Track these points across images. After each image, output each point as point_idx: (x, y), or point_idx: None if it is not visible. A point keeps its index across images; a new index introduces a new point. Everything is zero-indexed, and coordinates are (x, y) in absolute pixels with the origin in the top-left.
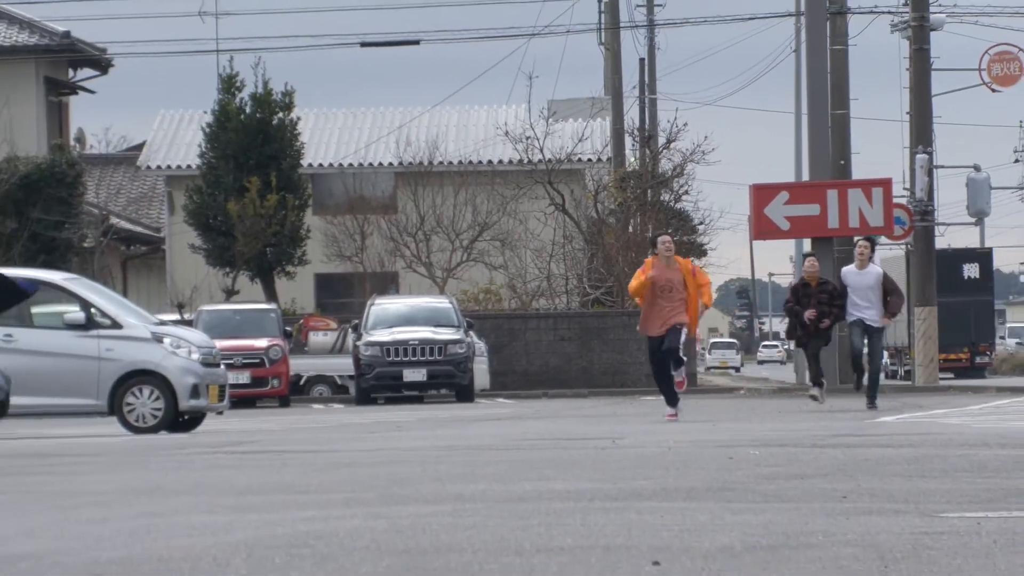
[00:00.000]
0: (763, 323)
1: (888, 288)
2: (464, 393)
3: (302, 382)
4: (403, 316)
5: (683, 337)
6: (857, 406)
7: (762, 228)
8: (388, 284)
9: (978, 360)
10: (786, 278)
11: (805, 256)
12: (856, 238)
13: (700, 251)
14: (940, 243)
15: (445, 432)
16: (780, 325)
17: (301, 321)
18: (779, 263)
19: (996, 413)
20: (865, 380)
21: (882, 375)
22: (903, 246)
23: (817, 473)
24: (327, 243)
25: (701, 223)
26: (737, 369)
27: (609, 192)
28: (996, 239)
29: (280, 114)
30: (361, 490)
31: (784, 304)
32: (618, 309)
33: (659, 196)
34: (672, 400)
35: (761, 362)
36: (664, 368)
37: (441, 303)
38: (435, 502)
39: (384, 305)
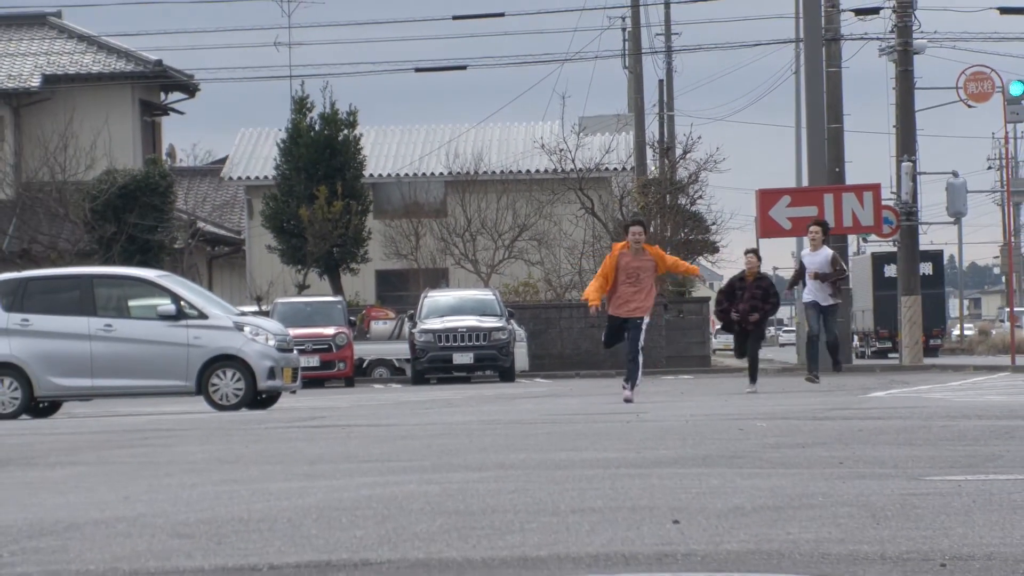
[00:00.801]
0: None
1: (835, 265)
2: (506, 374)
3: (365, 365)
4: (452, 307)
5: (643, 334)
6: (849, 384)
7: (767, 228)
8: (439, 279)
9: (932, 343)
10: (789, 271)
11: (746, 252)
12: (809, 224)
13: (713, 248)
14: (923, 240)
15: (490, 408)
16: (788, 312)
17: (364, 311)
18: (783, 258)
19: (974, 389)
20: (827, 352)
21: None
22: (892, 243)
23: (817, 442)
24: (386, 243)
25: (713, 224)
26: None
27: (633, 197)
28: (972, 236)
29: (345, 131)
30: (417, 459)
31: (716, 300)
32: None
33: (677, 200)
34: (632, 377)
35: (782, 345)
36: (614, 344)
37: (486, 295)
38: (481, 469)
39: (436, 297)
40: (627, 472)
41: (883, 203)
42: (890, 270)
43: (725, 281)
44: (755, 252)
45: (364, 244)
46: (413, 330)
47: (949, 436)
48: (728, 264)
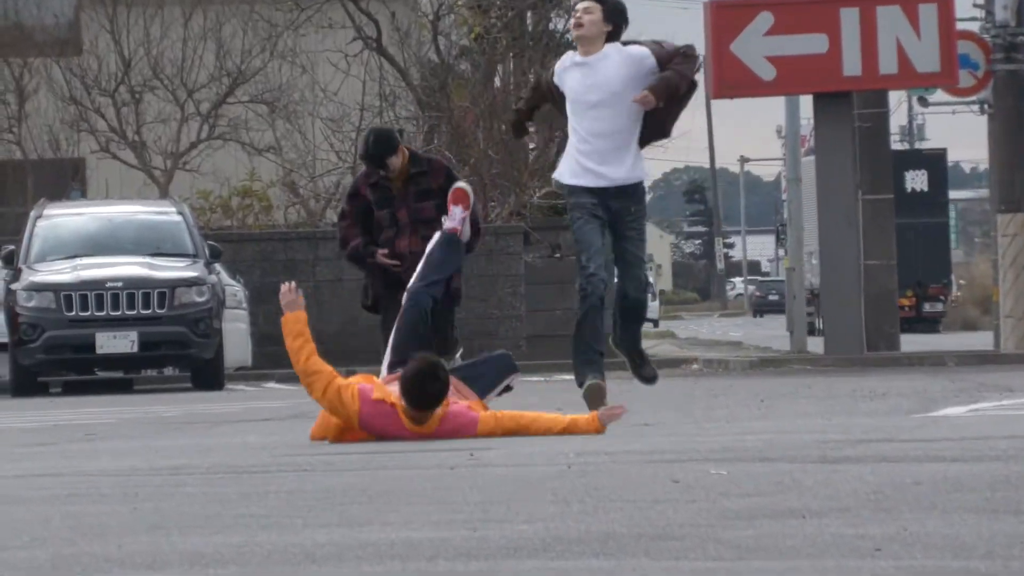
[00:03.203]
0: (731, 243)
1: (674, 57)
2: (206, 373)
3: None
4: (94, 238)
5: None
6: (891, 390)
7: (728, 78)
8: (69, 180)
9: (927, 308)
10: (771, 166)
11: (369, 138)
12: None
13: None
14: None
15: (171, 443)
16: (761, 248)
17: None
18: (758, 140)
19: None
20: (617, 318)
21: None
22: (977, 106)
23: (830, 508)
24: None
25: None
26: (655, 323)
27: (460, 17)
28: None
29: None
30: (19, 546)
31: (339, 223)
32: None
33: (547, 22)
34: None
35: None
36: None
37: (164, 214)
38: (154, 567)
39: (60, 218)
40: (450, 568)
41: (958, 28)
42: (914, 179)
43: (345, 196)
44: (384, 141)
45: None
46: (14, 285)
47: None
48: (652, 151)
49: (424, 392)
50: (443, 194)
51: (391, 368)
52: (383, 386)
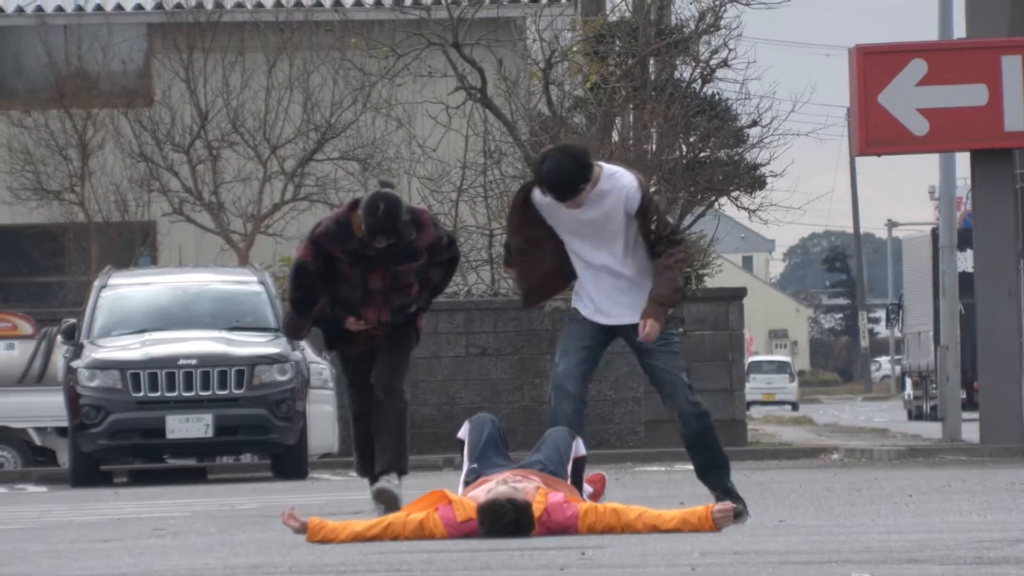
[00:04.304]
0: (876, 318)
1: (649, 216)
2: (288, 461)
3: None
4: (165, 310)
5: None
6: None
7: (875, 133)
8: (137, 245)
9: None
10: (922, 232)
11: (353, 204)
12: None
13: (754, 179)
14: None
15: (248, 539)
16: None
17: None
18: (908, 201)
19: None
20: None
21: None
22: None
23: None
24: (14, 165)
25: (755, 123)
26: (795, 406)
27: (574, 64)
28: None
29: None
30: None
31: (297, 275)
32: None
33: (671, 70)
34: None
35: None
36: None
37: (243, 283)
38: None
39: (127, 288)
40: None
41: None
42: None
43: (307, 239)
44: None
45: None
46: (75, 363)
47: None
48: (790, 214)
49: (502, 536)
50: (430, 251)
51: (471, 473)
52: (464, 501)
